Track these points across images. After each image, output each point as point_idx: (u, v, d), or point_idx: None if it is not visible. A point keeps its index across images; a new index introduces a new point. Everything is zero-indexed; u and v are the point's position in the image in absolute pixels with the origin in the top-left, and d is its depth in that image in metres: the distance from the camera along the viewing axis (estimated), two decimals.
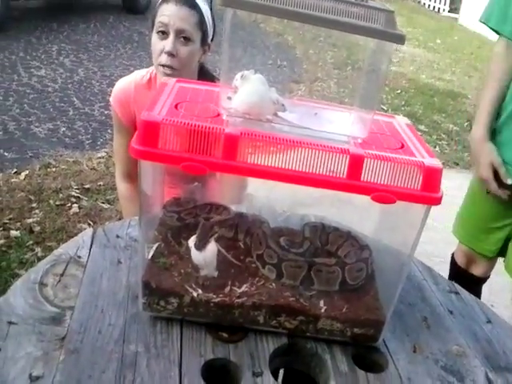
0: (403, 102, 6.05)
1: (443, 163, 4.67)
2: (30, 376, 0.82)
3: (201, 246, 0.97)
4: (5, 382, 0.80)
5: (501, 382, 0.98)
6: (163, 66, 1.66)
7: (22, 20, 6.45)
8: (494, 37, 1.94)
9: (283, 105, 0.96)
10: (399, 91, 6.40)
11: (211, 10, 1.75)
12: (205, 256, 0.97)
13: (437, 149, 4.85)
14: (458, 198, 3.59)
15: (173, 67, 1.65)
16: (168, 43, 1.64)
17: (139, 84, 1.79)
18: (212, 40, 1.79)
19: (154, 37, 1.69)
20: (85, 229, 2.72)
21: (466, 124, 5.68)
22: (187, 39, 1.66)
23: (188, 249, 1.00)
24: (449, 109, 6.13)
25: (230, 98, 0.95)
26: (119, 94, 1.81)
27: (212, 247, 0.98)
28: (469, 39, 10.78)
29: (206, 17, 1.72)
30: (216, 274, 0.98)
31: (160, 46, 1.66)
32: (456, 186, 4.13)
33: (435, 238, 3.08)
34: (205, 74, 1.83)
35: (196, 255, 0.98)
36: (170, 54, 1.64)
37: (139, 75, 1.82)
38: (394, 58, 7.97)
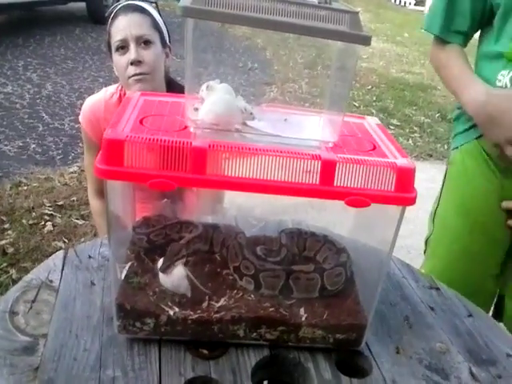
0: (374, 98, 6.09)
1: (416, 156, 4.72)
2: None
3: (167, 269, 0.95)
4: None
5: (484, 375, 0.98)
6: (133, 76, 1.64)
7: None
8: None
9: (251, 113, 0.94)
10: (370, 87, 6.45)
11: (159, 14, 1.76)
12: (172, 280, 0.95)
13: (410, 142, 4.89)
14: (433, 190, 3.62)
15: (142, 73, 1.64)
16: (131, 53, 1.63)
17: (109, 102, 1.77)
18: (170, 42, 1.78)
19: (115, 56, 1.67)
20: (60, 247, 2.68)
21: (438, 115, 5.74)
22: (148, 42, 1.66)
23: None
24: (420, 101, 6.19)
25: (196, 109, 0.93)
26: (88, 112, 1.79)
27: (178, 271, 0.95)
28: None
29: (158, 19, 1.72)
30: (189, 293, 0.96)
31: (124, 60, 1.65)
32: (430, 178, 4.17)
33: (412, 231, 3.09)
34: (173, 84, 1.81)
35: (163, 278, 0.95)
36: (137, 62, 1.63)
37: (108, 92, 1.79)
38: (364, 54, 8.02)
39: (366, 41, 0.87)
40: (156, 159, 0.83)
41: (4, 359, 0.88)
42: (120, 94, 1.77)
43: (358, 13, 0.92)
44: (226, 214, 1.15)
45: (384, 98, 6.15)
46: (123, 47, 1.64)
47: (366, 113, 5.32)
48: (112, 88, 1.81)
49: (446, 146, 4.89)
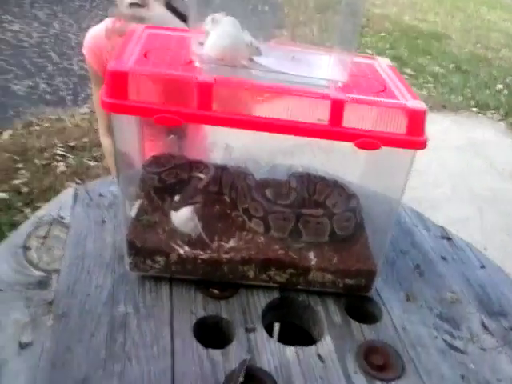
0: (388, 45, 5.94)
1: (430, 107, 4.65)
2: (20, 343, 0.80)
3: (176, 207, 0.94)
4: None
5: (495, 326, 0.98)
6: (132, 4, 1.59)
7: None
8: None
9: (258, 48, 0.90)
10: (383, 34, 6.28)
11: None
12: (180, 219, 0.95)
13: (423, 92, 4.80)
14: (446, 142, 3.59)
15: (138, 4, 1.59)
16: None
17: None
18: None
19: None
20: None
21: (452, 66, 5.61)
22: None
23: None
24: (433, 50, 6.04)
25: (201, 44, 0.89)
26: (91, 43, 1.75)
27: (186, 213, 0.95)
28: None
29: None
30: (194, 235, 0.96)
31: None
32: (443, 130, 4.13)
33: (424, 182, 3.08)
34: (176, 12, 1.76)
35: (173, 216, 0.95)
36: None
37: (110, 21, 1.75)
38: (377, 0, 7.79)
39: None
40: (161, 93, 0.80)
41: (20, 293, 0.89)
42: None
43: None
44: (233, 154, 1.12)
45: (397, 46, 6.00)
46: None
47: None
48: (113, 18, 1.77)
49: (460, 98, 4.80)
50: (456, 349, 0.91)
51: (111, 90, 0.79)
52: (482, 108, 4.67)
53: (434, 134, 4.08)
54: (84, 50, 1.78)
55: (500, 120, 4.49)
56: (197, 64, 0.86)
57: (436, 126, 4.00)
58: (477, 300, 1.04)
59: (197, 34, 0.88)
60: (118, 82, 0.78)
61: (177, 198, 0.96)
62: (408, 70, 5.28)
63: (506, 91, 5.09)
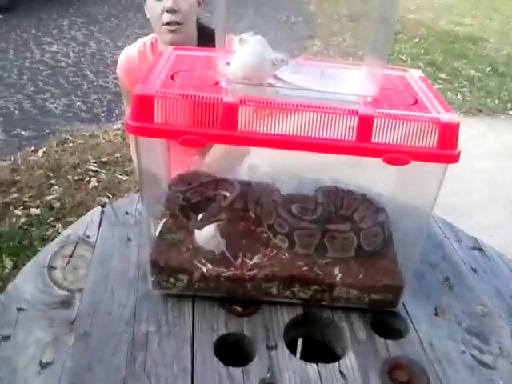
0: (422, 51, 5.87)
1: (465, 111, 4.56)
2: (41, 362, 0.81)
3: (199, 226, 0.94)
4: (15, 370, 0.80)
5: None
6: (167, 24, 1.63)
7: None
8: None
9: (283, 60, 0.90)
10: (418, 39, 6.21)
11: None
12: (204, 237, 0.94)
13: (458, 96, 4.71)
14: (481, 147, 3.52)
15: (177, 22, 1.63)
16: (168, 1, 1.61)
17: (143, 51, 1.78)
18: None
19: (151, 1, 1.65)
20: (104, 202, 2.73)
21: (488, 69, 5.50)
22: None
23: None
24: (470, 54, 5.93)
25: (228, 64, 0.90)
26: (124, 63, 1.80)
27: (209, 230, 0.94)
28: None
29: None
30: (218, 252, 0.95)
31: (159, 6, 1.64)
32: (479, 134, 4.04)
33: (458, 189, 3.01)
34: (203, 29, 1.79)
35: (197, 234, 0.95)
36: (172, 11, 1.62)
37: (142, 42, 1.80)
38: (412, 6, 7.71)
39: None
40: (186, 115, 0.81)
41: (43, 312, 0.90)
42: (152, 42, 1.78)
43: None
44: (257, 173, 1.12)
45: (432, 51, 5.91)
46: None
47: (413, 66, 5.11)
48: (146, 38, 1.82)
49: (496, 101, 4.69)
50: (485, 364, 0.88)
51: (137, 113, 0.80)
52: None
53: (468, 138, 4.02)
54: (118, 70, 1.83)
55: None
56: (223, 84, 0.86)
57: (472, 130, 3.91)
58: (508, 312, 1.00)
59: (224, 54, 0.89)
60: (143, 106, 0.80)
61: (200, 216, 0.96)
62: (443, 75, 5.20)
63: None
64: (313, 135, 0.82)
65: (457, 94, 4.74)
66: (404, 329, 0.95)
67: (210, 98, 0.81)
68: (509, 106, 4.62)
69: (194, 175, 1.14)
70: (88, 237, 1.10)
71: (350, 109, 0.82)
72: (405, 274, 0.97)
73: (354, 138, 0.83)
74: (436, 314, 0.98)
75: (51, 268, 1.00)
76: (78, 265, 1.02)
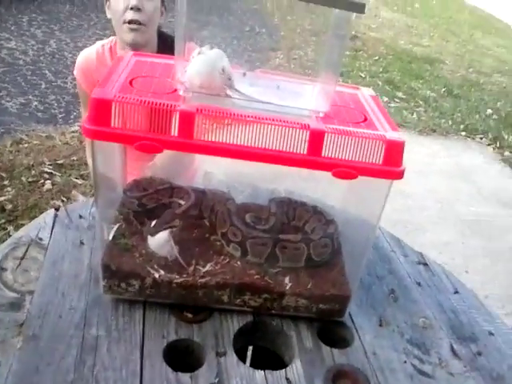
0: (381, 69, 6.01)
1: (420, 130, 4.70)
2: None
3: (153, 232, 0.95)
4: None
5: (465, 351, 0.99)
6: (130, 22, 1.63)
7: None
8: (471, 1, 1.87)
9: (230, 78, 0.92)
10: (377, 57, 6.36)
11: None
12: (156, 242, 0.95)
13: (414, 116, 4.85)
14: (433, 166, 3.64)
15: (140, 22, 1.64)
16: None
17: (101, 53, 1.77)
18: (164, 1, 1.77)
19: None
20: (58, 206, 2.69)
21: (443, 90, 5.68)
22: None
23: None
24: (426, 75, 6.11)
25: (186, 72, 0.91)
26: (82, 64, 1.79)
27: (162, 236, 0.96)
28: (447, 3, 10.70)
29: None
30: (170, 258, 0.96)
31: (123, 3, 1.63)
32: (432, 153, 4.17)
33: (410, 205, 3.10)
34: (164, 37, 1.80)
35: (149, 240, 0.96)
36: (137, 9, 1.62)
37: (100, 44, 1.79)
38: (373, 24, 7.89)
39: (359, 8, 0.85)
40: (143, 121, 0.82)
41: None
42: (111, 46, 1.78)
43: None
44: (212, 181, 1.14)
45: (391, 69, 6.06)
46: None
47: (371, 84, 5.26)
48: (105, 41, 1.82)
49: (450, 122, 4.85)
50: (424, 373, 0.92)
51: (94, 117, 0.81)
52: (471, 132, 4.71)
53: (422, 157, 4.14)
54: (75, 71, 1.82)
55: (488, 145, 4.54)
56: (181, 92, 0.88)
57: (425, 149, 4.03)
58: (448, 325, 1.05)
59: (182, 62, 0.90)
60: (101, 110, 0.80)
61: (154, 222, 0.97)
62: (400, 94, 5.34)
63: (495, 116, 5.15)
64: (267, 146, 0.85)
65: (412, 114, 4.88)
66: (349, 338, 0.98)
67: (168, 106, 0.82)
68: (461, 127, 4.79)
69: (149, 181, 1.15)
70: (40, 239, 1.09)
71: (302, 123, 0.85)
72: (352, 284, 1.00)
73: (305, 152, 0.86)
74: (380, 325, 1.01)
75: (1, 269, 0.99)
76: (30, 267, 1.01)
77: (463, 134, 4.67)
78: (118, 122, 0.82)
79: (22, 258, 1.03)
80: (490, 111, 5.25)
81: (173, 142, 0.83)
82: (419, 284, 1.16)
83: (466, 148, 4.40)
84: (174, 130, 0.82)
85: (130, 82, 0.90)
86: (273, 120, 0.84)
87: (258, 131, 0.84)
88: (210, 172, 1.12)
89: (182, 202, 1.10)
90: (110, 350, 0.86)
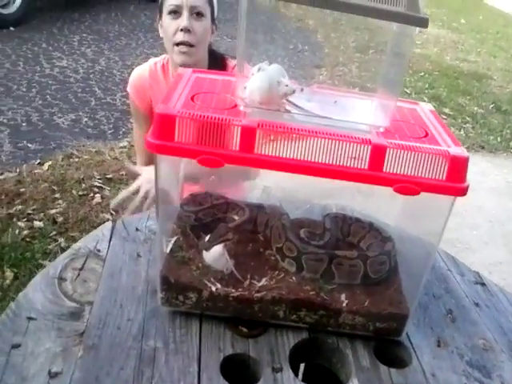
0: (427, 85, 5.94)
1: (468, 147, 4.62)
2: (50, 372, 0.82)
3: (207, 247, 0.96)
4: (25, 378, 0.80)
5: None
6: (180, 43, 1.66)
7: (43, 11, 6.46)
8: None
9: (290, 93, 0.92)
10: (423, 74, 6.29)
11: None
12: (212, 256, 0.96)
13: (461, 132, 4.76)
14: (483, 183, 3.57)
15: (190, 43, 1.67)
16: (183, 20, 1.66)
17: (154, 71, 1.82)
18: (216, 19, 1.79)
19: (166, 19, 1.69)
20: (107, 219, 2.74)
21: (492, 106, 5.56)
22: (200, 15, 1.68)
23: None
24: (474, 91, 6.00)
25: (246, 88, 0.93)
26: (135, 81, 1.84)
27: (217, 250, 0.97)
28: (494, 18, 10.55)
29: None
30: (226, 271, 0.97)
31: (174, 25, 1.67)
32: (481, 171, 4.08)
33: (459, 224, 3.04)
34: (214, 55, 1.83)
35: (205, 254, 0.97)
36: (187, 30, 1.65)
37: (153, 62, 1.84)
38: (418, 40, 7.82)
39: (423, 23, 0.85)
40: (205, 136, 0.83)
41: (52, 322, 0.91)
42: (163, 63, 1.82)
43: None
44: (271, 195, 1.14)
45: (437, 85, 5.99)
46: (176, 12, 1.67)
47: (417, 100, 5.19)
48: (157, 58, 1.86)
49: (499, 139, 4.74)
50: None
51: (158, 131, 0.82)
52: None
53: (470, 175, 4.03)
54: (128, 88, 1.87)
55: None
56: (241, 108, 0.89)
57: (473, 167, 3.94)
58: (509, 348, 1.01)
59: (242, 79, 0.91)
60: (165, 125, 0.82)
61: (208, 237, 0.98)
62: (446, 110, 5.26)
63: None
64: (327, 161, 0.85)
65: (460, 130, 4.79)
66: (407, 358, 0.96)
67: (230, 121, 0.83)
68: (511, 144, 4.67)
69: (204, 196, 1.16)
70: (98, 251, 1.11)
71: (363, 138, 0.85)
72: (410, 303, 0.98)
73: (366, 167, 0.85)
74: (438, 346, 0.99)
75: (61, 279, 1.01)
76: (88, 278, 1.03)
77: None
78: (181, 137, 0.83)
79: (81, 269, 1.05)
80: None
81: (234, 156, 0.83)
82: (477, 304, 1.13)
83: None
84: (236, 145, 0.83)
85: (192, 98, 0.92)
86: (333, 135, 0.84)
87: (318, 146, 0.84)
88: (269, 186, 1.12)
89: (237, 218, 1.11)
90: (167, 361, 0.86)
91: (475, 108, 5.46)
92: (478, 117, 5.23)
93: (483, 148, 4.52)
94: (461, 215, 2.98)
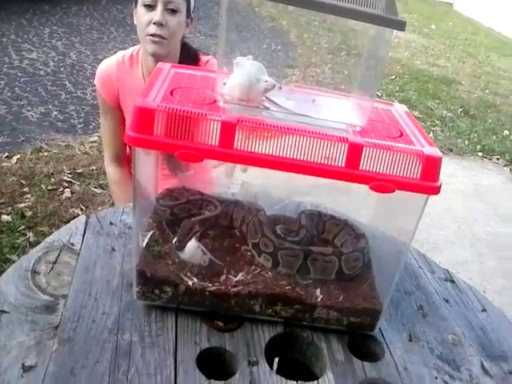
0: (397, 88, 6.03)
1: None
2: (23, 365, 0.81)
3: (180, 246, 0.96)
4: None
5: (496, 370, 0.98)
6: (152, 35, 1.66)
7: (13, 2, 6.33)
8: (488, 23, 1.90)
9: (274, 85, 0.93)
10: (393, 77, 6.38)
11: None
12: (186, 253, 0.96)
13: (431, 135, 4.84)
14: (451, 185, 3.65)
15: (162, 36, 1.67)
16: (157, 14, 1.65)
17: (121, 62, 1.81)
18: (193, 12, 1.79)
19: (141, 10, 1.69)
20: (77, 214, 2.71)
21: (460, 110, 5.68)
22: (174, 10, 1.68)
23: None
24: (443, 95, 6.12)
25: (225, 84, 0.93)
26: (102, 74, 1.83)
27: (192, 245, 0.96)
28: (463, 25, 10.76)
29: None
30: (204, 263, 0.97)
31: (147, 17, 1.67)
32: (449, 173, 4.16)
33: (427, 224, 3.10)
34: (187, 48, 1.83)
35: (180, 254, 0.97)
36: (160, 24, 1.65)
37: (121, 54, 1.83)
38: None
39: (400, 25, 0.86)
40: (185, 130, 0.83)
41: (26, 315, 0.90)
42: (132, 54, 1.82)
43: None
44: (248, 191, 1.15)
45: (407, 89, 6.09)
46: (150, 6, 1.66)
47: None
48: (126, 50, 1.86)
49: (466, 142, 4.84)
50: None
51: (138, 125, 0.82)
52: (488, 153, 4.71)
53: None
54: (95, 80, 1.86)
55: (505, 166, 4.53)
56: (221, 104, 0.89)
57: (442, 169, 4.02)
58: (478, 343, 1.04)
59: (222, 75, 0.92)
60: (144, 118, 0.82)
61: (175, 239, 0.98)
62: (416, 113, 5.35)
63: None
64: (305, 159, 0.86)
65: (429, 133, 4.88)
66: (380, 352, 0.98)
67: (209, 115, 0.83)
68: (478, 147, 4.78)
69: (181, 190, 1.16)
70: (72, 244, 1.10)
71: (340, 136, 0.86)
72: (383, 299, 1.00)
73: (343, 164, 0.86)
74: (410, 340, 1.01)
75: (35, 273, 1.00)
76: (62, 271, 1.02)
77: (480, 154, 4.67)
78: (160, 131, 0.83)
79: (55, 262, 1.04)
80: (507, 132, 5.24)
81: (214, 151, 0.84)
82: (447, 301, 1.16)
83: (483, 168, 4.39)
84: (215, 140, 0.84)
85: (171, 93, 0.92)
86: (311, 132, 0.85)
87: (297, 143, 0.85)
88: (247, 182, 1.13)
89: (208, 213, 1.11)
90: (143, 355, 0.86)
91: (444, 112, 5.57)
92: (447, 120, 5.33)
93: (451, 151, 4.61)
94: (429, 216, 3.04)
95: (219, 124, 0.83)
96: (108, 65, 1.84)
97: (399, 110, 1.09)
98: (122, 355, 0.85)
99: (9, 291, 0.95)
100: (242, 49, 0.99)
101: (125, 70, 1.80)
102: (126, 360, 0.84)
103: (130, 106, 1.74)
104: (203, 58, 1.81)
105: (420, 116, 5.30)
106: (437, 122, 5.26)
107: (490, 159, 4.62)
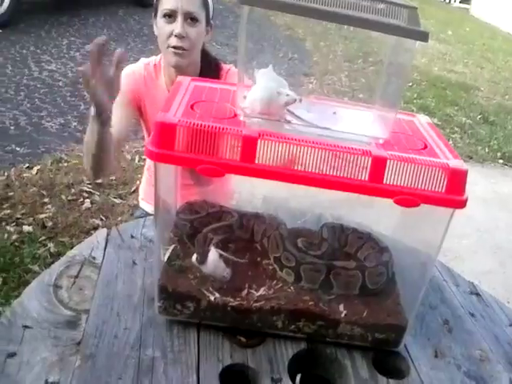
0: (415, 95, 5.99)
1: None
2: (46, 382, 0.80)
3: (201, 260, 0.96)
4: None
5: None
6: (174, 47, 1.66)
7: (31, 14, 6.41)
8: (506, 27, 1.87)
9: (295, 99, 0.92)
10: (411, 84, 6.33)
11: None
12: (209, 266, 0.95)
13: (450, 142, 4.79)
14: (472, 193, 3.54)
15: (183, 48, 1.66)
16: (177, 26, 1.65)
17: (148, 67, 1.81)
18: (212, 19, 1.79)
19: (161, 21, 1.68)
20: (97, 224, 2.72)
21: (479, 117, 5.62)
22: (195, 20, 1.68)
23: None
24: (461, 101, 6.07)
25: (245, 97, 0.92)
26: (129, 71, 1.79)
27: (212, 256, 0.96)
28: (480, 30, 10.68)
29: None
30: (228, 276, 0.96)
31: (168, 29, 1.66)
32: (469, 181, 4.10)
33: (448, 233, 3.05)
34: (208, 57, 1.82)
35: (203, 268, 0.96)
36: (181, 36, 1.65)
37: (146, 61, 1.83)
38: None
39: (423, 37, 0.85)
40: (206, 145, 0.83)
41: (48, 331, 0.90)
42: (155, 63, 1.82)
43: (416, 8, 0.90)
44: (270, 205, 1.14)
45: (425, 96, 6.04)
46: (170, 16, 1.66)
47: (406, 110, 5.24)
48: (149, 58, 1.85)
49: (486, 149, 4.79)
50: None
51: (159, 140, 0.82)
52: (509, 160, 4.65)
53: None
54: (122, 74, 1.83)
55: None
56: (242, 118, 0.88)
57: None
58: (505, 359, 1.02)
59: (242, 88, 0.91)
60: (165, 134, 0.82)
61: (194, 256, 0.97)
62: (435, 120, 5.30)
63: None
64: (328, 172, 0.85)
65: (448, 140, 4.83)
66: (405, 369, 0.96)
67: (231, 130, 0.83)
68: (498, 154, 4.72)
69: (201, 204, 1.15)
70: (94, 258, 1.10)
71: (364, 149, 0.85)
72: (408, 314, 0.98)
73: (367, 178, 0.85)
74: (436, 356, 0.99)
75: (57, 287, 1.00)
76: (84, 285, 1.02)
77: (500, 161, 4.61)
78: (181, 146, 0.82)
79: (77, 277, 1.04)
80: None
81: (235, 166, 0.83)
82: (473, 315, 1.13)
83: (504, 176, 4.33)
84: (236, 155, 0.83)
85: (192, 107, 0.91)
86: (334, 146, 0.84)
87: (319, 157, 0.84)
88: (269, 197, 1.12)
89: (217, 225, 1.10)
90: (166, 371, 0.85)
91: (463, 118, 5.52)
92: (466, 127, 5.28)
93: (471, 158, 4.56)
94: (450, 225, 3.00)
95: (240, 138, 0.83)
96: (136, 65, 1.83)
97: (422, 121, 1.07)
98: (144, 371, 0.85)
99: (32, 306, 0.95)
100: (261, 59, 0.99)
101: (151, 75, 1.81)
102: (148, 377, 0.84)
103: (152, 115, 1.74)
104: (224, 67, 1.81)
105: (439, 123, 5.25)
106: (456, 129, 5.21)
107: (511, 166, 4.55)
